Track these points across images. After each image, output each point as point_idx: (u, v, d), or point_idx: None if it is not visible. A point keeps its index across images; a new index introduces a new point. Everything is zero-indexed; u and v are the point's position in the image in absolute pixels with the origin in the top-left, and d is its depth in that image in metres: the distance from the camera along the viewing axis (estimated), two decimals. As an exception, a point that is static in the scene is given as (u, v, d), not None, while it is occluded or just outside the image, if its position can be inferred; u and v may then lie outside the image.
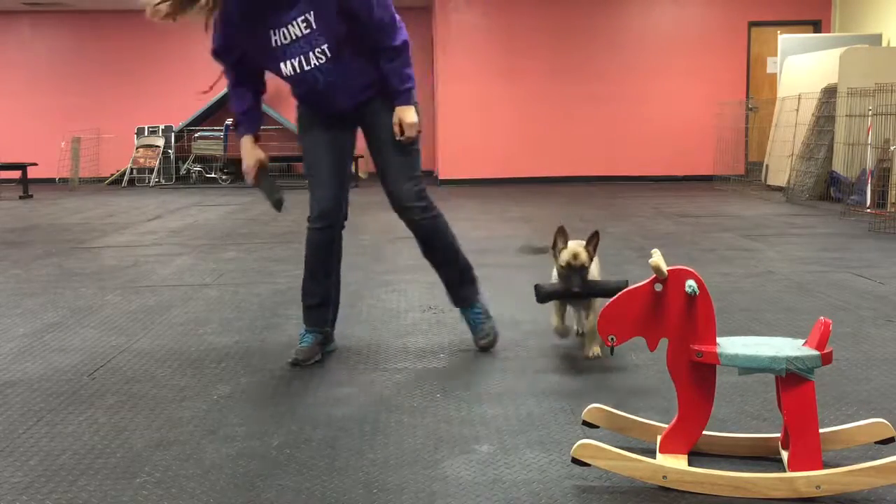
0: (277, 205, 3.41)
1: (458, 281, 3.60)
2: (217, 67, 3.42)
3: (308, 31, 3.10)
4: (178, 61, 14.84)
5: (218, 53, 3.30)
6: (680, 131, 13.24)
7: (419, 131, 3.33)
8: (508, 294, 4.85)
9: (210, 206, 10.33)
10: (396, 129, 3.29)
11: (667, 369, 2.37)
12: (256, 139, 3.40)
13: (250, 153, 3.36)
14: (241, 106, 3.37)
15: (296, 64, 3.18)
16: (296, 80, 3.25)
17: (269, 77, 3.40)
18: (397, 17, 3.23)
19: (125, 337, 4.00)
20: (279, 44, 3.13)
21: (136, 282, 5.39)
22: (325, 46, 3.14)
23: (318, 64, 3.17)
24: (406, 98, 3.27)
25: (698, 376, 2.33)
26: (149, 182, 13.89)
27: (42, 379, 3.35)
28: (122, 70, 14.87)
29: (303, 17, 3.08)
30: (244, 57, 3.28)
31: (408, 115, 3.27)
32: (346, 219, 3.48)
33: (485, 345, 3.63)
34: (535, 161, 13.27)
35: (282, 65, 3.19)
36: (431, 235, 3.50)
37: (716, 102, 12.87)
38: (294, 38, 3.11)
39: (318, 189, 3.36)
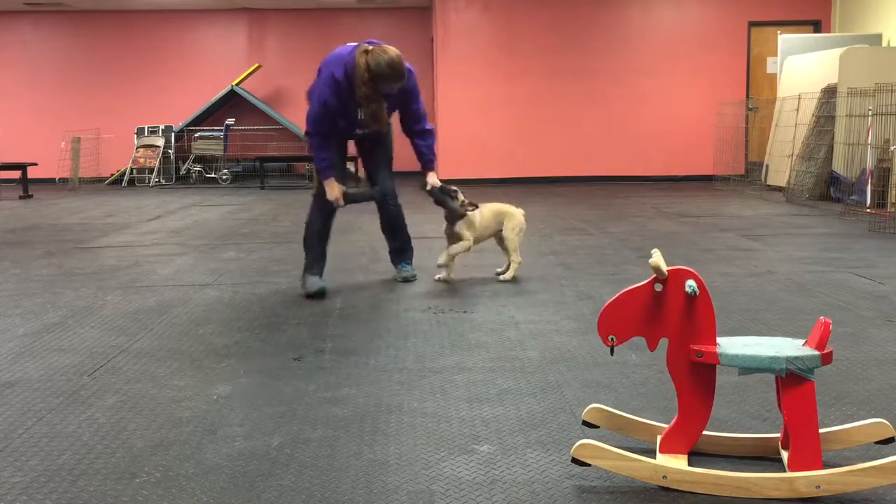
0: (370, 196, 5.17)
1: (401, 248, 5.39)
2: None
3: None
4: (178, 61, 14.84)
5: (313, 133, 4.80)
6: (680, 131, 13.23)
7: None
8: (508, 294, 4.86)
9: (210, 206, 10.33)
10: (429, 184, 5.01)
11: (667, 369, 2.37)
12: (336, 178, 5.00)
13: (336, 188, 4.89)
14: (326, 158, 4.85)
15: (361, 131, 4.99)
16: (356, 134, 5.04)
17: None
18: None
19: (125, 337, 4.00)
20: (359, 118, 4.83)
21: (136, 282, 5.39)
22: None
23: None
24: (433, 166, 5.07)
25: (698, 376, 2.34)
26: (149, 182, 13.89)
27: (42, 379, 3.35)
28: (122, 70, 14.86)
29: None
30: (332, 126, 4.82)
31: (433, 177, 5.04)
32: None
33: (406, 277, 5.29)
34: (535, 161, 13.26)
35: (357, 129, 4.95)
36: (397, 216, 5.29)
37: (716, 102, 12.86)
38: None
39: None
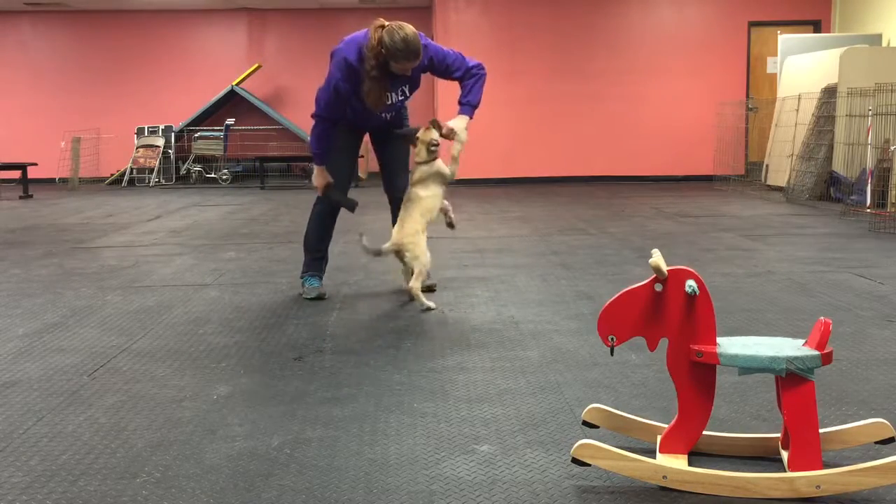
0: (350, 207, 4.75)
1: None
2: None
3: (402, 97, 4.58)
4: (178, 61, 14.84)
5: (323, 117, 4.53)
6: (680, 131, 13.23)
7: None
8: (508, 294, 4.86)
9: (210, 206, 10.33)
10: (445, 127, 4.55)
11: (667, 369, 2.37)
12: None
13: (324, 177, 4.68)
14: (325, 146, 4.62)
15: (387, 116, 4.68)
16: (375, 120, 4.71)
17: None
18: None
19: (125, 337, 4.00)
20: (389, 101, 4.53)
21: (136, 282, 5.39)
22: (405, 105, 4.76)
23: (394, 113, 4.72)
24: (467, 110, 4.55)
25: (698, 376, 2.34)
26: (149, 182, 13.89)
27: (42, 379, 3.35)
28: (122, 70, 14.86)
29: (400, 90, 4.53)
30: (343, 114, 4.58)
31: (458, 121, 4.53)
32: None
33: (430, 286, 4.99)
34: (535, 161, 13.27)
35: (369, 119, 4.68)
36: None
37: (716, 102, 12.86)
38: (392, 101, 4.54)
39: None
